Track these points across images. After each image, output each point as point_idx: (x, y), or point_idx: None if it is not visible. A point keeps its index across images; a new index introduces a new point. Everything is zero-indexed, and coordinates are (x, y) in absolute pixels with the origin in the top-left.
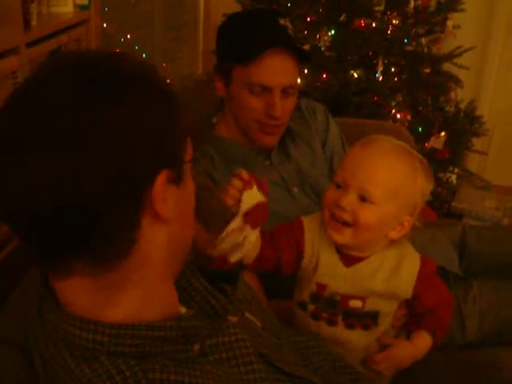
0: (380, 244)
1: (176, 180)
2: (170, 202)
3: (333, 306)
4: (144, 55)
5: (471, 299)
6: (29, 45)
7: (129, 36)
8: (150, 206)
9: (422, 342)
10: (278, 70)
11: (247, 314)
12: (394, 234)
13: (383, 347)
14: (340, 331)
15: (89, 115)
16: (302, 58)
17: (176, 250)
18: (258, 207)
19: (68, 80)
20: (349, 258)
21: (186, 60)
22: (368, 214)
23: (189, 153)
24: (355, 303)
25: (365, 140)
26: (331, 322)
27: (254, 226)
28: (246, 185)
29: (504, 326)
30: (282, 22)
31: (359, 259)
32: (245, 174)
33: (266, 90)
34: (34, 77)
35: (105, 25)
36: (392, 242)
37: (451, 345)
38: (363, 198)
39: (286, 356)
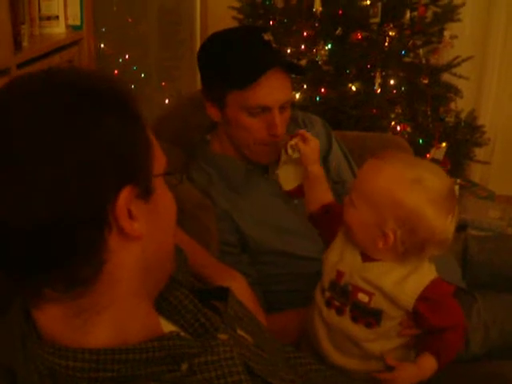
0: (380, 251)
1: (143, 194)
2: (140, 217)
3: (345, 296)
4: (142, 75)
5: (475, 312)
6: (20, 66)
7: (127, 56)
8: (115, 225)
9: (427, 364)
10: (274, 89)
11: (239, 331)
12: (380, 244)
13: (388, 368)
14: (346, 322)
15: (56, 136)
16: (294, 71)
17: (152, 267)
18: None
19: (41, 98)
20: (367, 256)
21: (185, 78)
22: (347, 214)
23: (159, 166)
24: (363, 297)
25: (383, 153)
26: (340, 312)
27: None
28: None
29: (510, 339)
30: (266, 37)
31: (374, 260)
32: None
33: (266, 109)
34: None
35: (102, 45)
36: (407, 257)
37: (455, 359)
38: (351, 201)
39: (281, 372)
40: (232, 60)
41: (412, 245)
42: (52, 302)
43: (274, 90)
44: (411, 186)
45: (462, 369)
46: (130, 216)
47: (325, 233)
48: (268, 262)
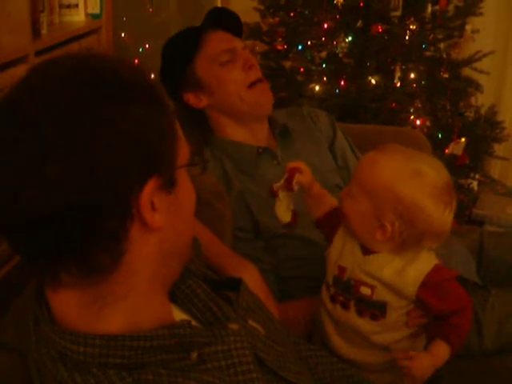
0: (378, 243)
1: (167, 186)
2: (162, 209)
3: (348, 291)
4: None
5: (490, 307)
6: (38, 53)
7: (147, 46)
8: (138, 216)
9: (440, 351)
10: (227, 37)
11: (251, 322)
12: (378, 236)
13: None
14: (351, 316)
15: (85, 125)
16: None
17: (169, 258)
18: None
19: (69, 85)
20: (367, 249)
21: None
22: (346, 205)
23: (183, 157)
24: (365, 290)
25: (384, 145)
26: (345, 306)
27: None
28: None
29: None
30: None
31: (373, 252)
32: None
33: (231, 53)
34: (35, 75)
35: (123, 34)
36: (405, 248)
37: (468, 352)
38: (350, 192)
39: (290, 364)
40: (179, 40)
41: (410, 236)
42: (68, 287)
43: (226, 37)
44: (411, 179)
45: (474, 363)
46: (153, 208)
47: (330, 234)
48: (279, 246)
